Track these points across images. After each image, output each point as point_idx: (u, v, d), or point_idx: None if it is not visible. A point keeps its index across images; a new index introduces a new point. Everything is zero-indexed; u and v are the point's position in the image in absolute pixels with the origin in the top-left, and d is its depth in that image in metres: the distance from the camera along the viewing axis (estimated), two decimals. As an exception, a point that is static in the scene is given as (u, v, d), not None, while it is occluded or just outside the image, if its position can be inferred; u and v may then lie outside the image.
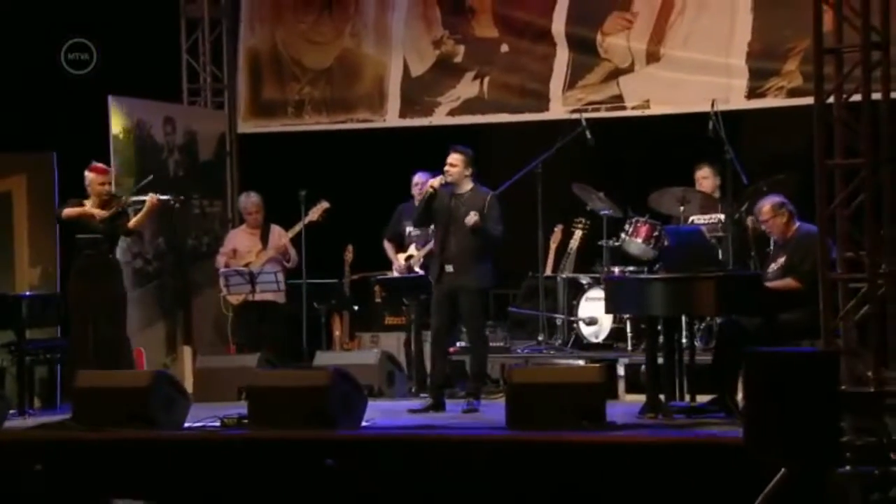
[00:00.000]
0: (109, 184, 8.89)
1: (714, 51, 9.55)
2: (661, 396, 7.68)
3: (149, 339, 10.14)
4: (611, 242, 9.38)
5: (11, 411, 8.41)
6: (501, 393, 8.10)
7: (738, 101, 9.45)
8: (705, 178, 9.28)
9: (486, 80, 10.31)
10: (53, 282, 9.81)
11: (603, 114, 9.86)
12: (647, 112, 9.81)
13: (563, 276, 9.95)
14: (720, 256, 8.63)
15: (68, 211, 8.79)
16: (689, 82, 9.58)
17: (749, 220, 8.50)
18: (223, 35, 11.16)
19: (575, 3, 9.98)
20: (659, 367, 7.80)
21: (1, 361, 9.28)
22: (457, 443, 6.83)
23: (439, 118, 10.43)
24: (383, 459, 6.75)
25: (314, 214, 9.83)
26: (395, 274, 9.66)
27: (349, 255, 10.35)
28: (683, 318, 8.13)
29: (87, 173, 8.84)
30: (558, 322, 9.88)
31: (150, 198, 8.78)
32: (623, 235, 8.87)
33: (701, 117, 8.95)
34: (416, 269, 9.45)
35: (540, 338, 9.72)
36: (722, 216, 8.90)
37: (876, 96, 6.17)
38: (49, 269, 9.99)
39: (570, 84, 10.02)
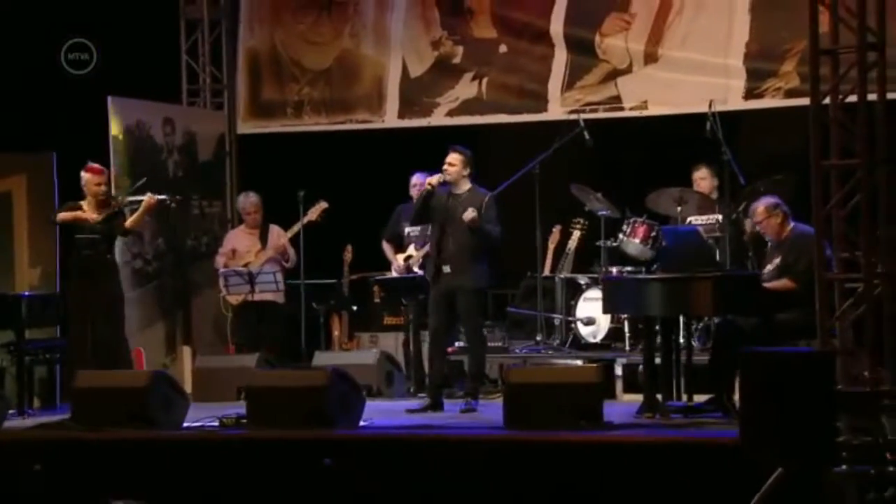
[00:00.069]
0: (106, 184, 8.90)
1: (712, 52, 9.57)
2: (659, 396, 7.69)
3: (148, 340, 10.16)
4: (609, 243, 9.40)
5: (11, 411, 8.42)
6: (499, 393, 8.11)
7: (735, 101, 9.48)
8: (703, 179, 9.31)
9: (485, 80, 10.33)
10: (53, 282, 9.81)
11: (601, 114, 9.89)
12: (645, 113, 9.85)
13: (562, 276, 9.97)
14: (717, 257, 8.66)
15: (62, 216, 8.81)
16: (686, 83, 9.60)
17: (747, 223, 8.52)
18: (222, 36, 11.19)
19: (573, 4, 10.01)
20: (656, 367, 7.81)
21: (0, 361, 9.29)
22: (454, 443, 6.83)
23: (438, 119, 10.46)
24: (381, 459, 6.76)
25: (313, 214, 9.85)
26: (394, 274, 9.67)
27: (348, 255, 10.36)
28: (681, 318, 8.15)
29: (82, 174, 8.85)
30: (556, 322, 9.90)
31: (146, 197, 8.80)
32: (621, 236, 8.88)
33: (699, 118, 8.96)
34: (415, 269, 9.46)
35: (538, 338, 9.73)
36: (719, 217, 8.92)
37: (872, 97, 6.19)
38: (49, 270, 9.99)
39: (569, 85, 10.04)
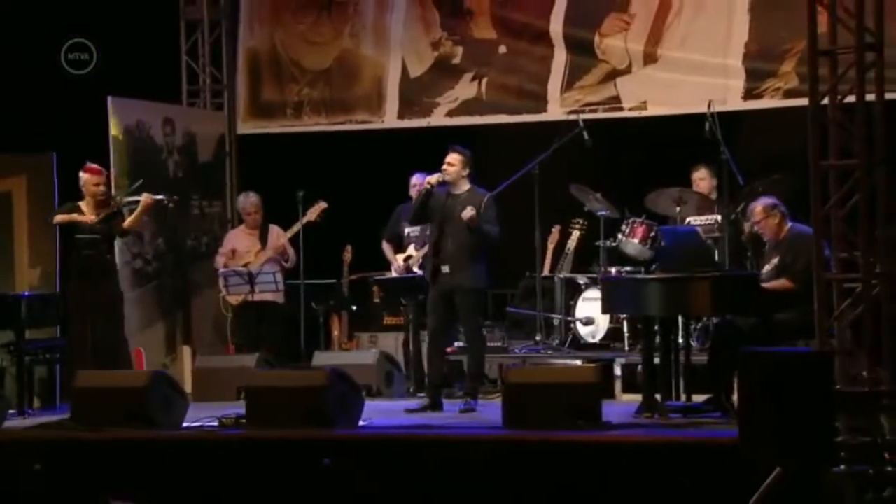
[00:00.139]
0: (104, 184, 8.89)
1: (711, 52, 9.58)
2: (658, 396, 7.70)
3: (148, 340, 10.17)
4: (608, 243, 9.42)
5: (11, 411, 8.44)
6: (498, 393, 8.12)
7: (734, 102, 9.49)
8: (702, 180, 9.32)
9: (485, 81, 10.35)
10: (53, 282, 9.82)
11: (600, 115, 9.89)
12: (645, 113, 9.86)
13: (561, 276, 9.98)
14: (716, 257, 8.67)
15: (58, 218, 8.82)
16: (686, 83, 9.61)
17: (746, 224, 8.53)
18: (222, 36, 11.20)
19: (572, 4, 10.02)
20: (655, 367, 7.81)
21: (0, 361, 9.30)
22: (453, 442, 6.83)
23: (438, 119, 10.47)
24: (380, 459, 6.76)
25: (312, 214, 9.86)
26: (394, 274, 9.68)
27: (348, 255, 10.38)
28: (680, 318, 8.16)
29: (81, 174, 8.86)
30: (555, 322, 9.91)
31: (144, 197, 8.80)
32: (620, 236, 8.88)
33: (698, 118, 8.96)
34: (415, 269, 9.47)
35: (537, 338, 9.74)
36: (718, 217, 8.94)
37: (870, 97, 6.20)
38: (49, 270, 10.00)
39: (568, 85, 10.05)
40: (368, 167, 10.47)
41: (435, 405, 8.29)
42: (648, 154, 9.74)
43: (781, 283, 7.55)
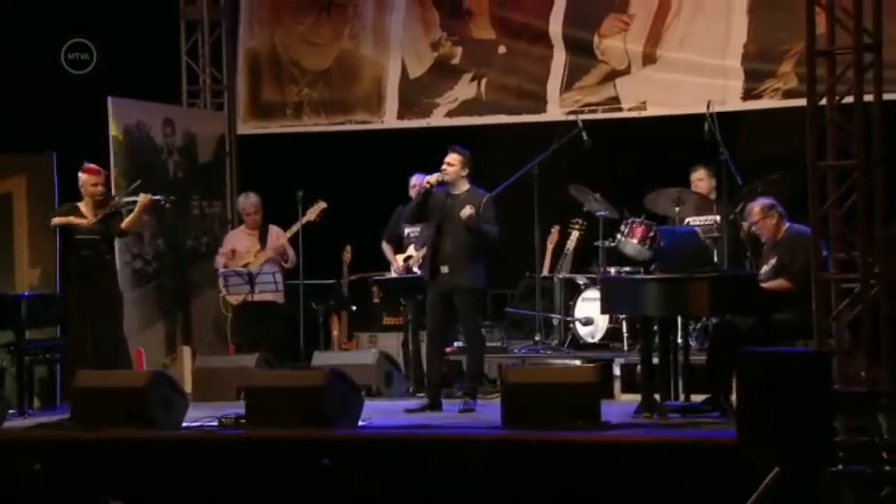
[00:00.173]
0: (103, 184, 8.88)
1: (710, 52, 9.59)
2: (657, 396, 7.71)
3: (148, 340, 10.18)
4: (607, 243, 9.43)
5: (11, 411, 8.45)
6: (498, 393, 8.14)
7: (734, 102, 9.50)
8: (700, 180, 9.34)
9: (484, 81, 10.36)
10: (53, 282, 9.83)
11: (599, 115, 9.91)
12: (644, 113, 9.87)
13: (560, 276, 9.99)
14: (715, 257, 8.68)
15: (55, 220, 8.82)
16: (685, 84, 9.63)
17: (744, 226, 8.54)
18: (222, 37, 11.21)
19: (572, 5, 10.03)
20: (654, 367, 7.82)
21: (1, 361, 9.31)
22: (452, 442, 6.84)
23: (437, 119, 10.48)
24: (380, 459, 6.76)
25: (311, 215, 9.87)
26: (394, 275, 9.69)
27: (347, 255, 10.39)
28: (679, 318, 8.17)
29: (79, 175, 8.86)
30: (555, 322, 9.91)
31: (141, 197, 8.79)
32: (619, 236, 8.89)
33: (697, 119, 8.96)
34: (415, 269, 9.48)
35: (537, 338, 9.75)
36: (717, 217, 8.95)
37: (868, 98, 6.21)
38: (49, 270, 10.01)
39: (567, 86, 10.07)
40: (368, 167, 10.49)
41: (434, 405, 8.31)
42: (647, 154, 9.76)
43: (779, 283, 7.56)
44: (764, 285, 7.58)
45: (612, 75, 9.95)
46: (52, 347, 9.38)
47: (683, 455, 6.33)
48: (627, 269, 9.30)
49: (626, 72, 9.90)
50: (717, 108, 8.96)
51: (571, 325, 9.76)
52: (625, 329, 9.43)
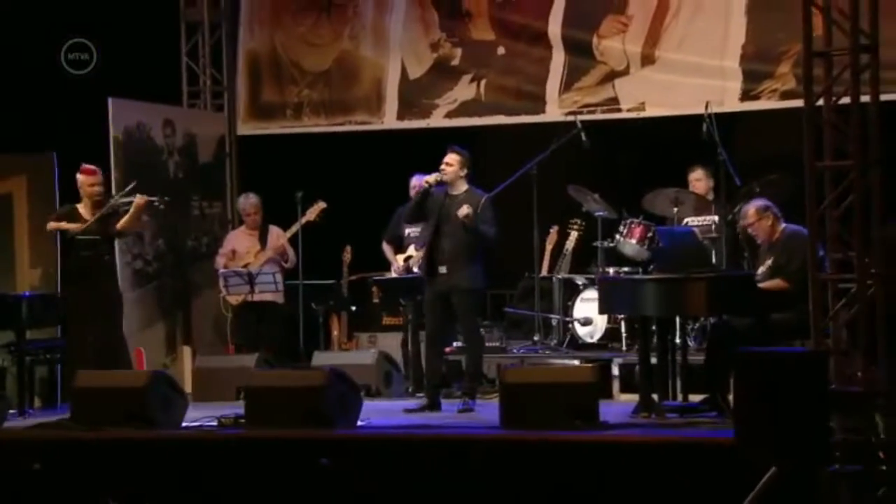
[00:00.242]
0: (100, 184, 8.88)
1: (708, 54, 9.61)
2: (655, 396, 7.73)
3: (149, 340, 10.20)
4: (605, 243, 9.45)
5: (12, 411, 8.48)
6: (497, 393, 8.15)
7: (732, 103, 9.52)
8: (698, 181, 9.36)
9: (483, 82, 10.38)
10: (54, 282, 9.85)
11: (598, 116, 9.93)
12: (643, 114, 9.89)
13: (559, 276, 10.01)
14: (713, 257, 8.70)
15: (49, 226, 8.84)
16: (683, 85, 9.65)
17: (740, 227, 8.56)
18: (223, 38, 11.23)
19: (571, 6, 10.05)
20: (652, 367, 7.84)
21: (1, 361, 9.33)
22: (451, 442, 6.84)
23: (437, 120, 10.50)
24: (379, 459, 6.78)
25: (311, 215, 9.89)
26: (394, 275, 9.71)
27: (347, 255, 10.41)
28: (677, 319, 8.19)
29: (77, 175, 8.88)
30: (554, 322, 9.94)
31: (136, 198, 8.80)
32: (618, 237, 8.92)
33: (695, 119, 8.99)
34: (415, 269, 9.50)
35: (535, 338, 9.77)
36: (715, 217, 8.97)
37: (865, 99, 6.22)
38: (49, 270, 10.04)
39: (566, 86, 10.09)
40: (368, 168, 10.51)
41: (433, 405, 8.32)
42: (646, 155, 9.78)
43: (776, 283, 7.58)
44: (761, 286, 7.60)
45: (610, 76, 9.97)
46: (53, 347, 9.40)
47: (681, 455, 6.34)
48: (626, 269, 9.32)
49: (625, 72, 9.92)
50: (715, 109, 8.99)
51: (570, 326, 9.78)
52: (623, 329, 9.45)
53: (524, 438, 6.72)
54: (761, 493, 5.76)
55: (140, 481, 6.94)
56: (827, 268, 6.41)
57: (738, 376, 6.15)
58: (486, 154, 9.56)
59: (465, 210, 8.19)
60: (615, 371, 9.03)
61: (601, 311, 8.92)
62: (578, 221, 10.02)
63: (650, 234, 8.61)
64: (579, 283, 9.91)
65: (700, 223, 9.04)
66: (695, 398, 7.88)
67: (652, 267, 8.64)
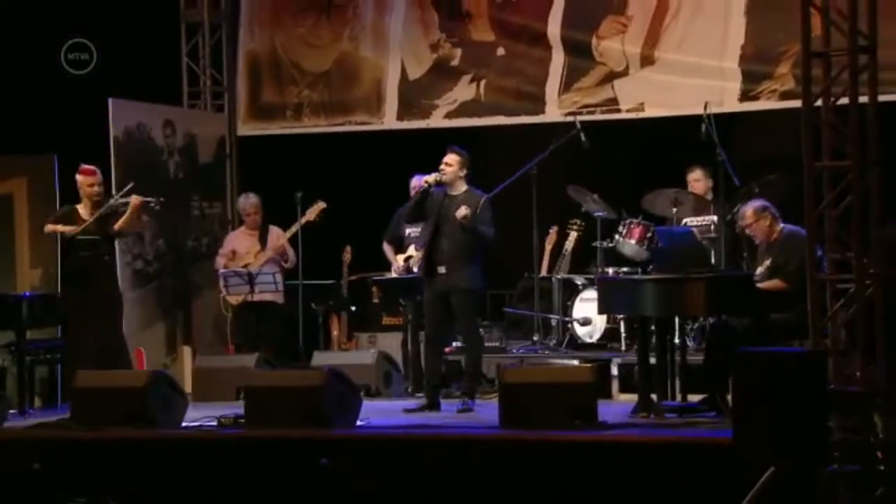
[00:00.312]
0: (99, 184, 8.88)
1: (708, 54, 9.62)
2: (654, 396, 7.74)
3: (149, 340, 10.21)
4: (605, 244, 9.46)
5: (12, 411, 8.49)
6: (496, 392, 8.17)
7: (731, 103, 9.53)
8: (697, 181, 9.38)
9: (483, 83, 10.39)
10: (54, 283, 9.85)
11: (598, 116, 9.94)
12: (642, 115, 9.90)
13: (558, 276, 10.02)
14: (712, 257, 8.71)
15: (46, 228, 8.85)
16: (682, 85, 9.65)
17: (738, 227, 8.58)
18: (223, 39, 11.24)
19: (570, 6, 10.06)
20: (651, 367, 7.86)
21: (1, 361, 9.35)
22: (450, 442, 6.86)
23: (436, 121, 10.52)
24: (378, 459, 6.79)
25: (311, 215, 9.90)
26: (394, 275, 9.73)
27: (347, 256, 10.42)
28: (676, 319, 8.20)
29: (77, 176, 8.89)
30: (553, 322, 9.95)
31: (132, 199, 8.81)
32: (617, 237, 8.94)
33: (695, 120, 9.01)
34: (415, 269, 9.51)
35: (535, 338, 9.79)
36: (714, 218, 8.98)
37: (863, 99, 6.23)
38: (50, 271, 10.06)
39: (566, 87, 10.10)
40: (368, 168, 10.52)
41: (433, 405, 8.34)
42: (645, 155, 9.79)
43: (774, 283, 7.59)
44: (759, 286, 7.61)
45: (610, 77, 9.98)
46: (53, 348, 9.42)
47: (680, 455, 6.35)
48: (625, 269, 9.34)
49: (625, 73, 9.93)
50: (714, 110, 9.02)
51: (570, 326, 9.79)
52: (623, 329, 9.46)
53: (523, 438, 6.74)
54: (759, 494, 5.76)
55: (140, 481, 6.95)
56: (825, 268, 6.42)
57: (736, 376, 6.14)
58: (486, 154, 9.57)
59: (462, 211, 8.20)
60: (614, 371, 9.04)
61: (600, 311, 8.94)
62: (578, 222, 10.03)
63: (649, 235, 8.63)
64: (579, 283, 9.92)
65: (699, 223, 9.04)
66: (694, 398, 7.89)
67: (651, 267, 8.65)
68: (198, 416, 7.64)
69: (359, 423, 7.39)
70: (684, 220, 9.15)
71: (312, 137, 10.92)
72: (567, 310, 9.83)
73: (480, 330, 8.93)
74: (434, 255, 8.35)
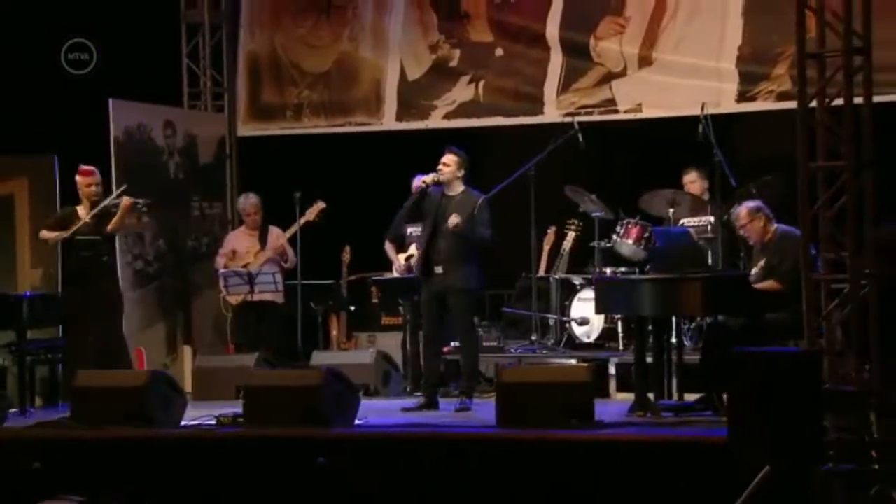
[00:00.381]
0: (97, 184, 8.90)
1: (705, 55, 9.65)
2: (651, 395, 7.77)
3: (149, 339, 10.24)
4: (602, 244, 9.48)
5: (12, 410, 8.52)
6: (494, 392, 8.19)
7: (728, 104, 9.55)
8: (692, 183, 9.41)
9: (482, 83, 10.42)
10: (55, 283, 9.89)
11: (596, 117, 9.97)
12: (639, 115, 9.92)
13: (556, 276, 10.04)
14: (709, 258, 8.74)
15: (41, 235, 8.89)
16: (680, 86, 9.68)
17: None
18: (223, 40, 11.27)
19: (568, 7, 10.09)
20: (648, 367, 7.88)
21: (2, 361, 9.38)
22: (447, 441, 6.87)
23: (435, 121, 10.54)
24: (375, 458, 6.81)
25: (311, 215, 9.92)
26: (396, 274, 9.75)
27: (346, 256, 10.45)
28: (673, 318, 8.23)
29: (76, 177, 8.93)
30: (551, 322, 9.97)
31: (123, 200, 8.84)
32: (614, 237, 8.97)
33: (692, 121, 9.03)
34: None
35: (533, 337, 9.81)
36: (711, 218, 9.00)
37: (858, 100, 6.25)
38: (50, 271, 10.09)
39: (564, 88, 10.13)
40: (367, 169, 10.55)
41: (431, 404, 8.37)
42: (643, 156, 9.82)
43: (769, 284, 7.61)
44: (754, 286, 7.64)
45: (608, 77, 10.00)
46: (54, 347, 9.44)
47: (676, 454, 6.36)
48: (623, 269, 9.35)
49: (622, 74, 9.96)
50: (711, 111, 9.03)
51: (567, 325, 9.82)
52: (620, 329, 9.48)
53: (520, 437, 6.75)
54: (754, 493, 5.78)
55: (139, 480, 6.97)
56: (820, 268, 6.44)
57: (732, 376, 6.16)
58: (485, 155, 9.60)
59: (454, 220, 8.22)
60: (612, 370, 9.07)
61: (597, 311, 8.96)
62: (576, 222, 10.06)
63: (647, 235, 8.66)
64: (576, 283, 9.95)
65: (696, 224, 9.07)
66: (690, 397, 7.92)
67: (648, 267, 8.68)
68: (197, 416, 7.67)
69: (357, 422, 7.42)
70: (681, 221, 9.18)
71: (312, 138, 10.95)
72: (565, 310, 9.85)
73: (478, 329, 8.96)
74: (431, 256, 8.38)
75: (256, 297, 9.93)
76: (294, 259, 10.03)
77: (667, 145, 9.57)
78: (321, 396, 7.17)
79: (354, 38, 10.83)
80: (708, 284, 7.45)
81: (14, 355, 9.18)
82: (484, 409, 7.97)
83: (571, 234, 10.09)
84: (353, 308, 10.39)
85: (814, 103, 6.35)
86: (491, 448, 6.75)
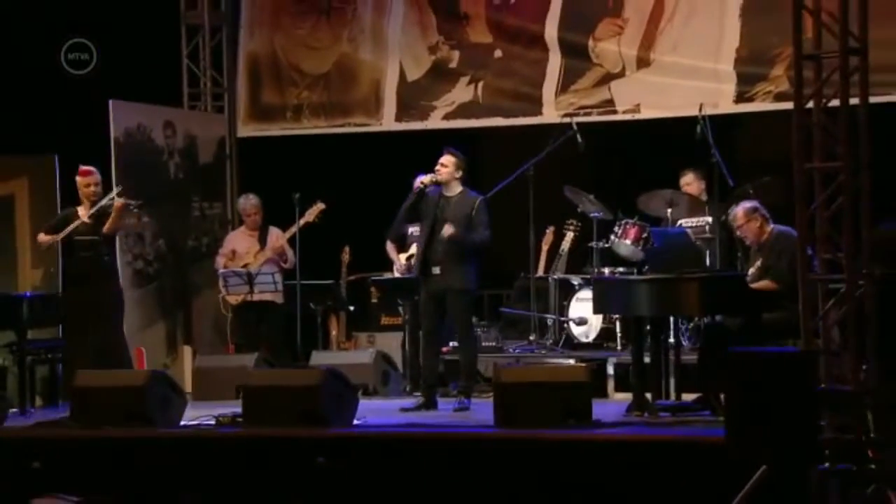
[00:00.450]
0: (96, 184, 8.89)
1: (703, 56, 9.66)
2: (648, 395, 7.79)
3: (149, 339, 10.26)
4: (601, 244, 9.50)
5: (12, 410, 8.54)
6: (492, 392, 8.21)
7: (726, 105, 9.57)
8: (689, 184, 9.42)
9: (481, 84, 10.43)
10: (55, 283, 9.89)
11: (594, 118, 9.98)
12: (638, 116, 9.94)
13: (555, 277, 10.06)
14: (707, 258, 8.76)
15: (39, 239, 8.91)
16: (678, 87, 9.69)
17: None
18: (223, 41, 11.30)
19: (567, 8, 10.11)
20: (645, 366, 7.90)
21: (2, 361, 9.40)
22: (446, 441, 6.89)
23: (434, 122, 10.56)
24: (374, 457, 6.84)
25: (310, 216, 9.93)
26: (397, 274, 9.77)
27: (346, 256, 10.47)
28: (671, 318, 8.25)
29: (76, 178, 8.95)
30: (549, 322, 9.99)
31: (116, 201, 8.85)
32: (613, 237, 8.99)
33: (690, 121, 9.06)
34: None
35: (531, 337, 9.83)
36: (709, 219, 9.03)
37: (854, 101, 6.27)
38: (50, 271, 10.10)
39: (563, 88, 10.14)
40: (367, 169, 10.57)
41: (430, 404, 8.38)
42: (641, 157, 9.83)
43: (765, 284, 7.63)
44: (751, 286, 7.66)
45: (606, 78, 10.02)
46: (54, 347, 9.45)
47: (674, 453, 6.38)
48: (621, 269, 9.37)
49: (621, 75, 9.98)
50: (709, 111, 9.06)
51: (566, 325, 9.84)
52: (618, 329, 9.50)
53: (518, 437, 6.77)
54: (750, 493, 5.80)
55: (139, 480, 6.99)
56: (816, 268, 6.46)
57: (729, 376, 6.17)
58: (484, 155, 9.63)
59: (448, 230, 8.22)
60: (610, 370, 9.09)
61: (595, 311, 8.99)
62: (574, 222, 10.08)
63: (645, 235, 8.68)
64: (575, 283, 9.96)
65: (694, 224, 9.10)
66: (688, 397, 7.94)
67: (646, 267, 8.69)
68: (196, 416, 7.69)
69: (355, 421, 7.44)
70: (679, 221, 9.20)
71: (312, 139, 10.97)
72: (563, 310, 9.87)
73: (476, 329, 8.98)
74: (429, 256, 8.39)
75: (256, 297, 9.94)
76: (293, 260, 10.04)
77: (665, 146, 9.59)
78: (320, 396, 7.18)
79: (354, 39, 10.85)
80: (705, 285, 7.47)
81: (14, 355, 9.20)
82: (483, 409, 7.97)
83: (570, 235, 10.11)
84: (352, 308, 10.41)
85: (810, 104, 6.36)
86: (489, 448, 6.77)
